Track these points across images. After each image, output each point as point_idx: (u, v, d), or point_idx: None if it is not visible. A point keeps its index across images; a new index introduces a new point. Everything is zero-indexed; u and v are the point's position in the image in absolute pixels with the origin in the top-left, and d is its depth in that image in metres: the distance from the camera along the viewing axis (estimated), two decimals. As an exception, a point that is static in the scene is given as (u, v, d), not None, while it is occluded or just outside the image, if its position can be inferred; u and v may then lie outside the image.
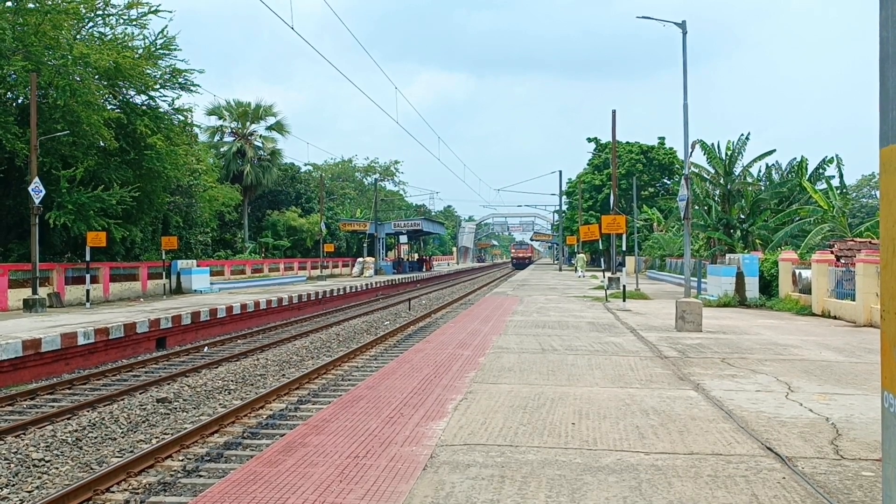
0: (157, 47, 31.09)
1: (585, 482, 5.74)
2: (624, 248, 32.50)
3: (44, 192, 24.53)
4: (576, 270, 65.90)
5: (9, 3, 26.94)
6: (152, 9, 30.37)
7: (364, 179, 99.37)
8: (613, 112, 37.82)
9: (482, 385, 9.85)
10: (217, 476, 8.90)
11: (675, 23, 19.92)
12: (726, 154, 39.80)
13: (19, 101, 28.58)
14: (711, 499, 5.38)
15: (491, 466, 6.13)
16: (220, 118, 60.47)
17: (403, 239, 75.04)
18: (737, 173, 40.43)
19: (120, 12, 30.42)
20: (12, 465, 9.61)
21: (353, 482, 5.70)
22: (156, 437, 11.26)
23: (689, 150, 19.70)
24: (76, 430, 11.43)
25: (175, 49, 31.56)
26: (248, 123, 61.20)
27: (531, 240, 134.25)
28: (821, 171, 39.91)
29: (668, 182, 72.75)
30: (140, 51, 30.57)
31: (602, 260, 55.52)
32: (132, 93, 31.31)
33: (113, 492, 8.55)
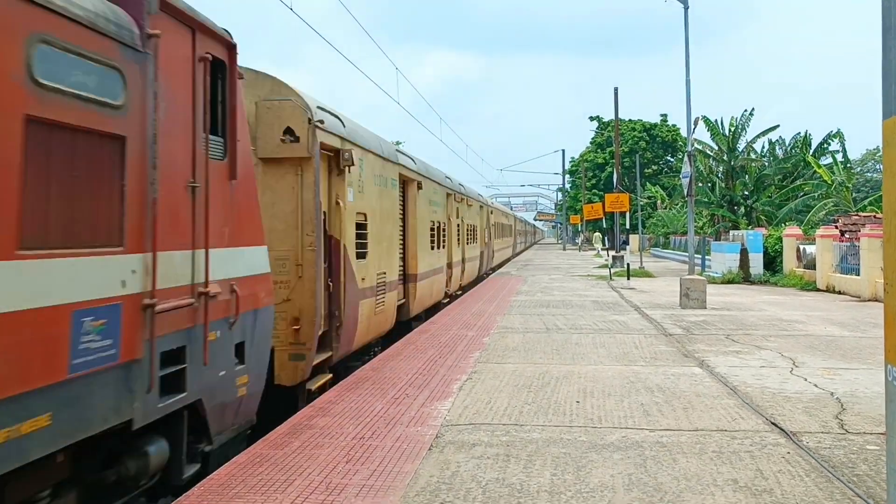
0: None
1: (591, 460, 5.75)
2: (628, 227, 32.46)
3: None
4: (579, 249, 65.82)
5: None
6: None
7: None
8: (615, 89, 37.63)
9: (487, 365, 9.86)
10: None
11: (676, -2, 19.70)
12: (730, 130, 39.62)
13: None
14: (716, 474, 5.39)
15: (496, 445, 6.15)
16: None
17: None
18: (740, 149, 40.26)
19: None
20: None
21: (359, 463, 5.72)
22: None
23: (692, 126, 19.59)
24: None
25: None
26: (249, 107, 60.97)
27: (534, 219, 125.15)
28: (825, 145, 39.71)
29: (672, 159, 72.52)
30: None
31: (606, 238, 55.43)
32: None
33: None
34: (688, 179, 18.94)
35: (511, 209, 71.38)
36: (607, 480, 5.27)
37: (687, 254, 21.66)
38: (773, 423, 6.84)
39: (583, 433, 6.52)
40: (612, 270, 29.02)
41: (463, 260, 22.42)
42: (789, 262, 25.17)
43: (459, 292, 22.20)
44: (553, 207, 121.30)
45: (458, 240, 21.63)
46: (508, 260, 45.66)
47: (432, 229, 16.96)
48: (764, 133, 40.19)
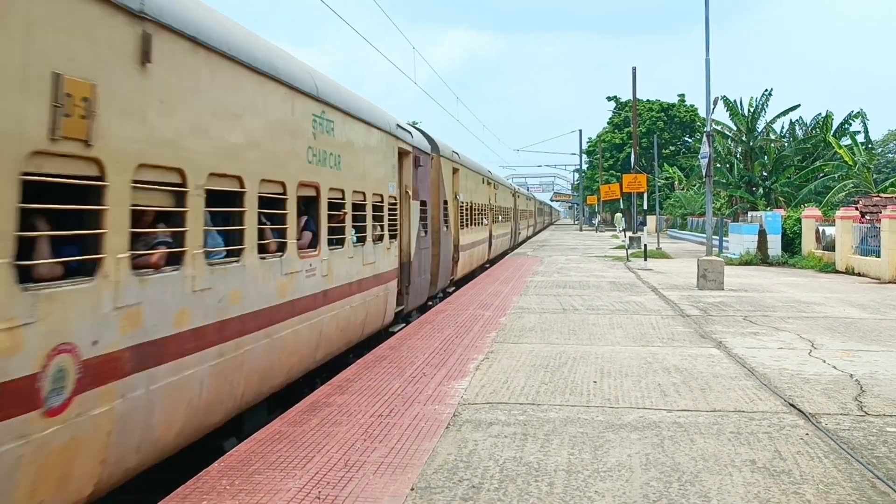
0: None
1: (608, 439, 5.76)
2: (645, 207, 32.28)
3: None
4: (596, 229, 65.57)
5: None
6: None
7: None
8: (634, 69, 37.25)
9: (503, 345, 9.88)
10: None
11: (697, -24, 19.45)
12: (749, 110, 39.16)
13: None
14: (734, 455, 5.38)
15: (513, 424, 6.17)
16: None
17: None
18: (760, 130, 39.81)
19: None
20: None
21: (377, 440, 5.76)
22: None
23: (712, 106, 19.39)
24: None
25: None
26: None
27: (551, 200, 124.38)
28: (846, 126, 39.18)
29: (690, 140, 71.89)
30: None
31: (623, 219, 55.15)
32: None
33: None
34: (706, 160, 18.78)
35: (527, 189, 71.04)
36: (625, 460, 5.28)
37: (704, 235, 21.50)
38: (791, 405, 6.81)
39: (600, 413, 6.53)
40: (629, 251, 28.91)
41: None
42: (808, 244, 24.97)
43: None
44: (570, 188, 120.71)
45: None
46: (527, 239, 47.06)
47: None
48: (784, 113, 39.69)
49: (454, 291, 17.14)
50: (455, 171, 18.08)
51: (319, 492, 4.70)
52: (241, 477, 4.98)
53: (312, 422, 6.29)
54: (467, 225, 20.16)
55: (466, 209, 20.10)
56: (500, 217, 30.16)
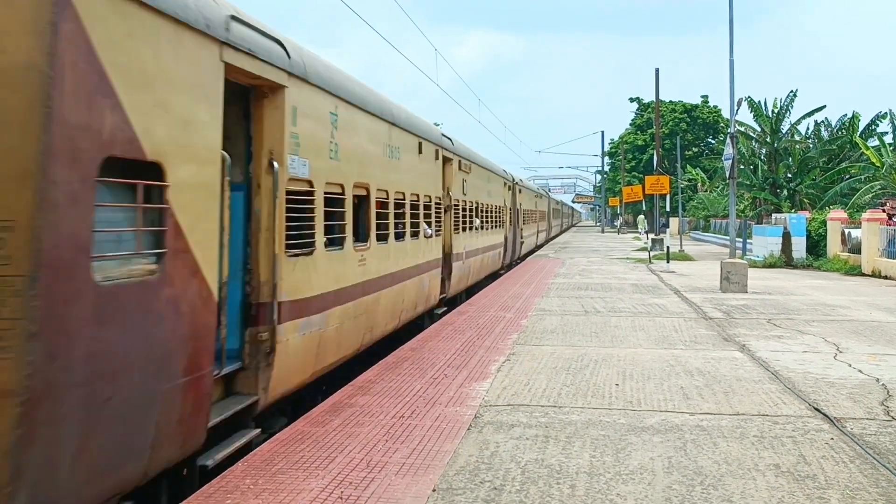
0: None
1: (630, 442, 5.74)
2: (668, 209, 32.07)
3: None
4: (618, 231, 65.28)
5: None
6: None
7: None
8: (657, 70, 37.05)
9: (525, 347, 9.87)
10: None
11: (721, -24, 19.33)
12: (773, 111, 38.79)
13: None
14: (758, 459, 5.35)
15: (535, 426, 6.17)
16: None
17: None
18: (784, 131, 39.42)
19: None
20: None
21: (399, 441, 5.78)
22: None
23: (735, 107, 19.24)
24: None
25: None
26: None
27: (573, 202, 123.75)
28: (873, 126, 38.66)
29: (713, 141, 71.34)
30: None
31: (645, 221, 54.79)
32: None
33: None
34: (730, 161, 18.65)
35: (549, 191, 70.92)
36: (647, 463, 5.27)
37: (728, 237, 21.36)
38: (816, 409, 6.75)
39: (622, 416, 6.51)
40: (652, 253, 28.76)
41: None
42: (833, 246, 24.71)
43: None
44: (592, 190, 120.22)
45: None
46: (550, 240, 48.77)
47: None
48: (809, 114, 39.27)
49: (443, 313, 13.78)
50: (447, 161, 14.51)
51: (342, 492, 4.74)
52: (265, 476, 5.02)
53: (335, 422, 6.33)
54: (468, 229, 16.57)
55: (472, 210, 17.13)
56: (527, 219, 30.59)
